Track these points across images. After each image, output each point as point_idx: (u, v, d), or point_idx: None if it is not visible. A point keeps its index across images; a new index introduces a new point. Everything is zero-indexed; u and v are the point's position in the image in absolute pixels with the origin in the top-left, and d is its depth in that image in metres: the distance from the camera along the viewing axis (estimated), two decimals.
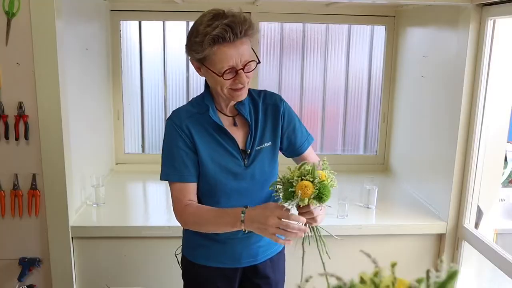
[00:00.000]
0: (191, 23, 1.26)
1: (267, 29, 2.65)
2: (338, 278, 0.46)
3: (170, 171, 1.35)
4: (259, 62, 1.29)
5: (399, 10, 2.60)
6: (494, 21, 1.79)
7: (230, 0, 2.45)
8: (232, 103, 1.36)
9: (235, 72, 1.24)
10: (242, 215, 1.22)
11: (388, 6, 2.60)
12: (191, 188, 1.36)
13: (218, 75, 1.23)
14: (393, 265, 0.48)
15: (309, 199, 1.18)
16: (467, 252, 2.00)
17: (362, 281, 0.46)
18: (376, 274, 0.47)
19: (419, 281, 0.45)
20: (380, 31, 2.69)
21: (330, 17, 2.60)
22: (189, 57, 1.30)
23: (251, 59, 1.25)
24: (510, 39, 1.82)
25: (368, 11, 2.61)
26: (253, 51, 1.28)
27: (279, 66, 2.71)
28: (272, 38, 2.67)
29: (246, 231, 1.25)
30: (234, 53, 1.21)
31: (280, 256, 1.56)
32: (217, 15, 1.21)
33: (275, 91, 2.70)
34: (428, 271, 0.46)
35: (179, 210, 1.34)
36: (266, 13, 2.56)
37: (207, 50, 1.20)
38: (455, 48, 1.94)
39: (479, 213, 1.99)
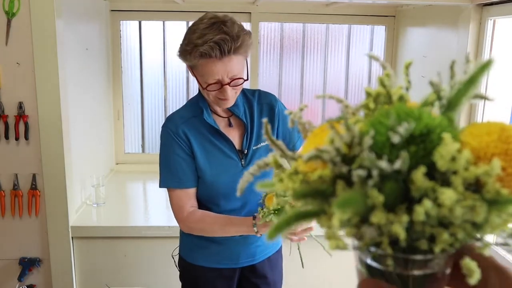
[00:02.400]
0: (191, 23, 1.26)
1: (267, 29, 2.65)
2: (340, 100, 0.40)
3: (169, 178, 1.36)
4: (247, 79, 1.29)
5: (399, 10, 2.60)
6: (494, 21, 1.79)
7: (230, 0, 2.45)
8: None
9: (220, 85, 1.23)
10: (255, 228, 1.29)
11: (388, 6, 2.60)
12: (191, 193, 1.37)
13: (202, 86, 1.25)
14: (407, 65, 0.42)
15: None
16: None
17: (369, 95, 0.40)
18: (387, 75, 0.40)
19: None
20: (380, 31, 2.69)
21: (330, 17, 2.60)
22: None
23: (239, 76, 1.24)
24: (510, 39, 1.82)
25: (368, 11, 2.61)
26: (247, 63, 1.27)
27: (279, 66, 2.71)
28: (272, 38, 2.67)
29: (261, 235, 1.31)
30: (221, 69, 1.20)
31: (278, 255, 1.56)
32: (212, 26, 1.19)
33: (275, 91, 2.71)
34: (452, 63, 0.40)
35: (182, 218, 1.35)
36: (266, 13, 2.56)
37: (195, 61, 1.21)
38: (455, 48, 1.94)
39: None
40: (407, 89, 0.42)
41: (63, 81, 1.81)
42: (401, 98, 0.40)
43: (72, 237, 1.94)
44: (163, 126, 1.37)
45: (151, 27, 2.62)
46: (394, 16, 2.63)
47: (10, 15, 1.72)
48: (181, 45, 1.25)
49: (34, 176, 1.86)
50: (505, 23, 1.79)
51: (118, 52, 2.60)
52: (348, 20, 2.62)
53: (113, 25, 2.56)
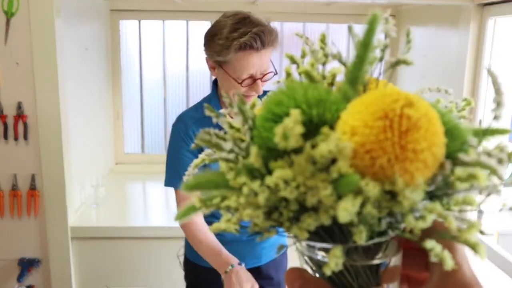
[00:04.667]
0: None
1: None
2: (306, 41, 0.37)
3: (174, 178, 1.35)
4: (276, 73, 1.29)
5: (399, 10, 2.59)
6: (495, 21, 1.79)
7: (230, 0, 2.44)
8: None
9: (252, 80, 1.23)
10: (230, 267, 1.24)
11: (388, 6, 2.59)
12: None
13: (237, 82, 1.23)
14: (323, 39, 0.38)
15: None
16: (467, 253, 1.99)
17: (288, 75, 0.37)
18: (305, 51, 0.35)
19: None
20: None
21: (330, 16, 2.59)
22: (206, 56, 1.29)
23: (270, 70, 1.25)
24: (511, 38, 1.81)
25: (368, 10, 2.60)
26: (271, 61, 1.28)
27: (279, 66, 2.70)
28: None
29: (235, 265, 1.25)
30: (257, 62, 1.21)
31: (283, 257, 1.56)
32: (243, 20, 1.20)
33: None
34: (350, 28, 0.36)
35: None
36: (266, 13, 2.54)
37: (230, 55, 1.19)
38: (456, 47, 1.93)
39: (480, 213, 1.99)
40: (323, 64, 0.38)
41: (62, 81, 1.80)
42: (307, 74, 0.37)
43: (71, 238, 1.93)
44: (173, 125, 1.37)
45: (151, 26, 2.62)
46: (394, 15, 2.62)
47: (9, 14, 1.71)
48: (211, 40, 1.23)
49: (33, 176, 1.85)
50: (506, 23, 1.79)
51: (117, 52, 2.59)
52: (348, 19, 2.62)
53: (113, 25, 2.55)
